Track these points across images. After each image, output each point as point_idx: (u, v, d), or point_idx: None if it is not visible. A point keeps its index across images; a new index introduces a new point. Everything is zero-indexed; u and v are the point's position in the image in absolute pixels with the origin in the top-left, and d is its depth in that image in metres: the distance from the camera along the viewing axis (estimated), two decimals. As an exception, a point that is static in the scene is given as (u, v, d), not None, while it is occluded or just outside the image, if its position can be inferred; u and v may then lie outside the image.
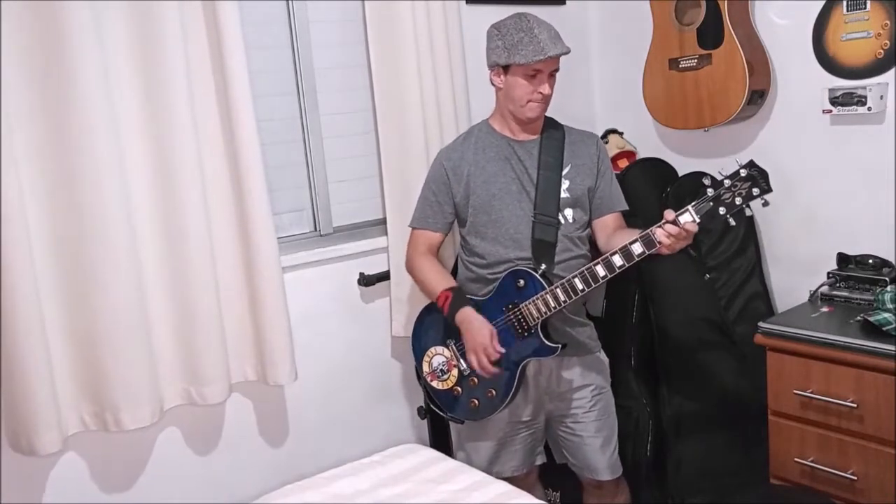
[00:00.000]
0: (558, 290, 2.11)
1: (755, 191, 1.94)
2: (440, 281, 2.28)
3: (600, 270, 2.07)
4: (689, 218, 1.97)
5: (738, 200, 1.95)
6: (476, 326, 2.17)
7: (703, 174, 2.84)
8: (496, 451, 2.36)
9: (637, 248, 2.02)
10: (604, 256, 2.07)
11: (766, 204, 1.97)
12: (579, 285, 2.10)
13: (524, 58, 2.10)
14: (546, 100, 2.19)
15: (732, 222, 1.99)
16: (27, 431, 2.00)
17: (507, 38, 2.14)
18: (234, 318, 2.33)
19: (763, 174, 1.95)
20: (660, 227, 1.99)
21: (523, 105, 2.18)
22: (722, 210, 1.96)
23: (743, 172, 1.95)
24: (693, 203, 1.98)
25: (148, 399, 2.15)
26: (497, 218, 2.23)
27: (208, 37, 2.21)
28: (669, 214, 1.99)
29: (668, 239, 1.98)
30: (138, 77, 2.12)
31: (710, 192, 1.97)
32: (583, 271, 2.09)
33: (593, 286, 2.09)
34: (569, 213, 2.24)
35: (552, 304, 2.13)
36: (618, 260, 2.04)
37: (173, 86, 2.13)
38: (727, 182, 1.96)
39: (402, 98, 2.57)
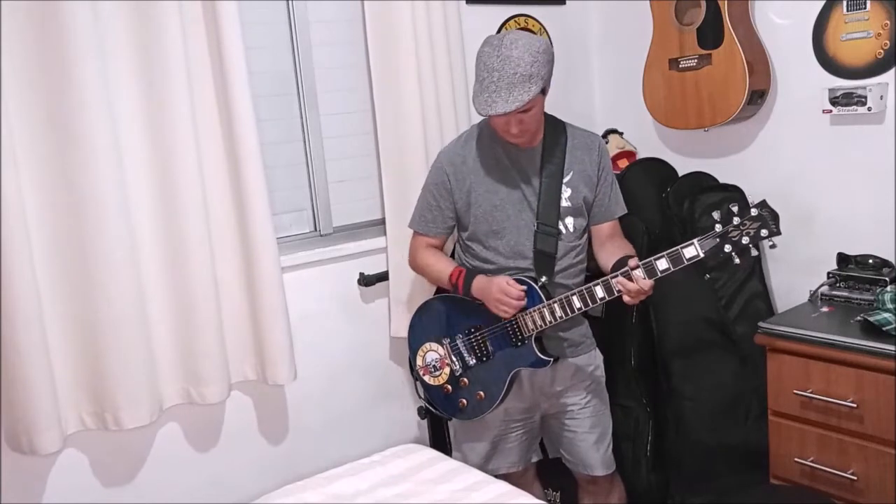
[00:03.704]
0: (556, 305, 2.11)
1: (763, 232, 1.92)
2: (448, 265, 2.27)
3: (599, 292, 2.07)
4: (693, 252, 1.95)
5: (745, 240, 1.93)
6: (490, 287, 2.14)
7: (703, 174, 2.87)
8: (492, 448, 2.37)
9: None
10: (604, 279, 2.06)
11: (773, 246, 1.96)
12: (577, 303, 2.09)
13: (475, 105, 2.04)
14: (522, 134, 2.12)
15: (737, 261, 1.96)
16: (27, 430, 2.00)
17: (478, 71, 2.05)
18: (233, 318, 2.33)
19: (774, 216, 1.92)
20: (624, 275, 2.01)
21: (502, 135, 2.14)
22: (728, 248, 1.94)
23: (754, 212, 1.92)
24: (699, 238, 1.96)
25: (147, 398, 2.15)
26: (499, 229, 2.21)
27: (208, 37, 2.20)
28: (633, 262, 2.01)
29: (626, 291, 2.00)
30: (138, 77, 2.12)
31: (718, 227, 1.94)
32: (582, 290, 2.09)
33: (591, 306, 2.09)
34: (569, 221, 2.21)
35: (548, 318, 2.12)
36: (616, 285, 2.03)
37: (173, 85, 2.13)
38: (736, 220, 1.93)
39: (401, 98, 2.56)
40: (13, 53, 1.93)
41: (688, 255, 1.97)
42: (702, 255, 1.95)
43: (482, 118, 2.24)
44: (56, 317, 2.06)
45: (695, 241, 1.96)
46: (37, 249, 2.00)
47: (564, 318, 2.12)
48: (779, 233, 1.93)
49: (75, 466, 2.20)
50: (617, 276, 2.03)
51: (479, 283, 2.18)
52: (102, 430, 2.14)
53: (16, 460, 2.07)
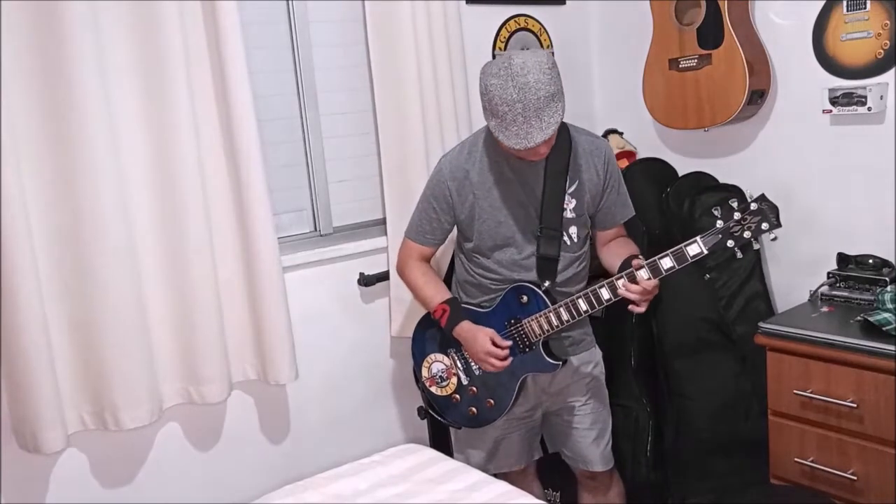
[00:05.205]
0: (561, 308, 2.12)
1: (764, 225, 1.95)
2: (436, 293, 2.25)
3: (605, 293, 2.07)
4: (696, 249, 1.98)
5: (746, 234, 1.96)
6: (475, 337, 2.17)
7: (703, 174, 2.87)
8: (494, 448, 2.37)
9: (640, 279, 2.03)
10: (609, 280, 2.07)
11: (774, 238, 1.99)
12: (583, 306, 2.10)
13: (508, 141, 1.95)
14: (549, 150, 2.07)
15: (739, 255, 2.01)
16: (32, 429, 2.01)
17: (492, 106, 1.94)
18: (233, 318, 2.33)
19: (773, 209, 1.96)
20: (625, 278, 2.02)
21: (524, 156, 2.06)
22: (730, 243, 1.98)
23: (753, 206, 1.95)
24: (702, 235, 1.99)
25: (147, 398, 2.15)
26: (503, 244, 2.20)
27: (208, 37, 2.20)
28: (637, 262, 2.02)
29: (633, 295, 2.01)
30: (138, 76, 2.12)
31: (719, 223, 1.98)
32: (587, 293, 2.09)
33: (597, 308, 2.10)
34: (573, 231, 2.20)
35: (555, 322, 2.13)
36: (621, 287, 2.04)
37: (173, 85, 2.13)
38: (737, 215, 1.96)
39: (401, 97, 2.56)
40: (13, 53, 1.93)
41: (691, 253, 1.99)
42: (705, 251, 1.99)
43: (484, 124, 2.20)
44: (56, 316, 2.06)
45: (698, 238, 1.99)
46: (38, 250, 2.00)
47: (571, 321, 2.12)
48: (779, 225, 1.96)
49: (76, 466, 2.20)
50: (622, 276, 2.04)
51: (463, 331, 2.19)
52: (102, 430, 2.14)
53: (17, 459, 2.07)
